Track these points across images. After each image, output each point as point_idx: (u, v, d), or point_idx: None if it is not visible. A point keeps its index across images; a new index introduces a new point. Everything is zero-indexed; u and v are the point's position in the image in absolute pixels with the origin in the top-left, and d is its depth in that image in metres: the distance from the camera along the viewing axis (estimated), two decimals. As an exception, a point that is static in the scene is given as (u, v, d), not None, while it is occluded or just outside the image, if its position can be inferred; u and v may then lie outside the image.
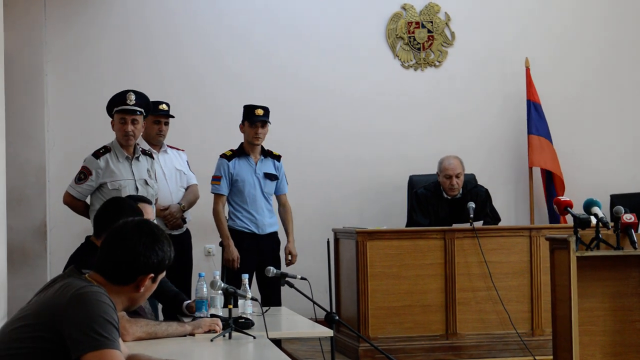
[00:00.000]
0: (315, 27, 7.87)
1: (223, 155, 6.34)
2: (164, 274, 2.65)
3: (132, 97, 5.57)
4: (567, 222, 7.26)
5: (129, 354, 2.78)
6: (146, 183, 5.70)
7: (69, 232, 7.08)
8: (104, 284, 2.54)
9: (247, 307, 4.41)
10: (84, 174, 5.64)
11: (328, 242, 6.56)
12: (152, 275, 2.59)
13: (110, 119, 5.65)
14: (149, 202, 4.55)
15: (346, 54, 7.88)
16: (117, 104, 5.59)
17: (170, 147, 6.45)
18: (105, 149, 5.66)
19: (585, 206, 5.02)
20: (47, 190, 7.39)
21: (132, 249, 2.55)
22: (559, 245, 4.96)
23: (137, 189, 5.58)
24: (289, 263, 6.40)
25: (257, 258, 6.18)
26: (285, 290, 4.63)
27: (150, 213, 4.26)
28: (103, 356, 2.36)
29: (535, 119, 7.85)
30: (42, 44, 7.45)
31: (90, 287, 2.48)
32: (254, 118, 6.23)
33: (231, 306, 3.95)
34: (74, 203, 5.74)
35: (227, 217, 6.35)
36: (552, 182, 7.88)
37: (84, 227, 6.18)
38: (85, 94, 7.55)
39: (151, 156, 5.90)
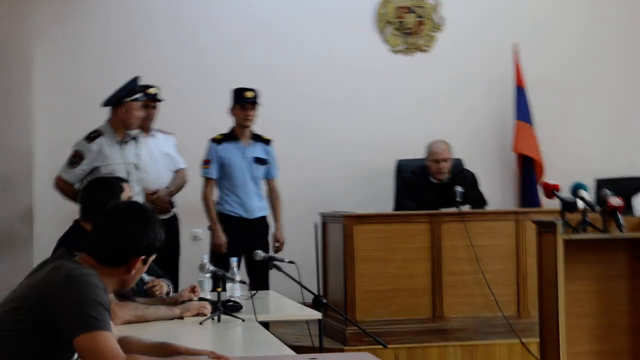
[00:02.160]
0: (305, 11, 7.83)
1: (213, 139, 6.34)
2: (154, 256, 2.66)
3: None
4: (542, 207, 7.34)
5: (119, 337, 2.79)
6: (136, 167, 5.70)
7: (55, 217, 7.05)
8: (95, 266, 2.54)
9: (235, 291, 4.44)
10: (76, 158, 5.59)
11: (315, 226, 6.57)
12: (144, 257, 2.60)
13: (115, 106, 5.61)
14: (125, 180, 4.54)
15: (336, 38, 7.85)
16: (137, 92, 5.58)
17: (159, 130, 6.44)
18: (98, 133, 5.62)
19: (572, 189, 5.04)
20: (33, 175, 7.35)
21: (124, 231, 2.56)
22: (546, 229, 4.98)
23: (127, 173, 5.56)
24: (276, 250, 6.40)
25: (245, 242, 6.19)
26: (273, 273, 4.64)
27: (129, 191, 4.25)
28: (95, 338, 2.37)
29: (522, 105, 7.87)
30: (30, 27, 7.38)
31: (82, 269, 2.48)
32: (244, 100, 6.24)
33: (220, 289, 3.97)
34: (66, 187, 5.68)
35: (216, 201, 6.35)
36: (532, 168, 7.88)
37: (70, 211, 6.14)
38: (73, 79, 7.49)
39: (136, 140, 5.88)
